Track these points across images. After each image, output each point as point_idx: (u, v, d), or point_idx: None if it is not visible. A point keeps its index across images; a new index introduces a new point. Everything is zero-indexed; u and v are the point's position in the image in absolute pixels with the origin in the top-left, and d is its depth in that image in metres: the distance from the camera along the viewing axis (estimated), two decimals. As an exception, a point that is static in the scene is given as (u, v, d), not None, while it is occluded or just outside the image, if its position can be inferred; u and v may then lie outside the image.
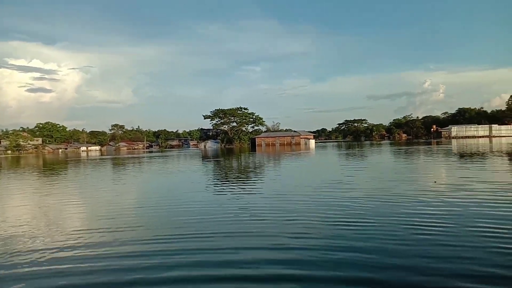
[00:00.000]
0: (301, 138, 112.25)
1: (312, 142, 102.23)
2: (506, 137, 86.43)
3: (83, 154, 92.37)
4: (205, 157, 53.75)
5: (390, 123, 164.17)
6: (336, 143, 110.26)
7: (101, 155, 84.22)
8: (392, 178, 18.07)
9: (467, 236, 7.40)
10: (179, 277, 5.83)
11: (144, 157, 58.47)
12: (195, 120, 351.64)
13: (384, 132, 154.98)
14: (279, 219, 9.69)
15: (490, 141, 67.11)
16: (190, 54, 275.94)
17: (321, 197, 12.94)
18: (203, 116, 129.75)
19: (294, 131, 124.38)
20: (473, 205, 10.28)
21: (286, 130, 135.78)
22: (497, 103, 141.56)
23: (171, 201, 13.64)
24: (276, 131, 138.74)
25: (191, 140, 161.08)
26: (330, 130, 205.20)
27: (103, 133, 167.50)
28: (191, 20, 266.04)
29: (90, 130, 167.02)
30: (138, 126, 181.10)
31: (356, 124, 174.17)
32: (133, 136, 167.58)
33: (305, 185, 16.79)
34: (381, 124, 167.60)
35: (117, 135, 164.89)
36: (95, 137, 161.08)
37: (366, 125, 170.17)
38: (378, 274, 5.63)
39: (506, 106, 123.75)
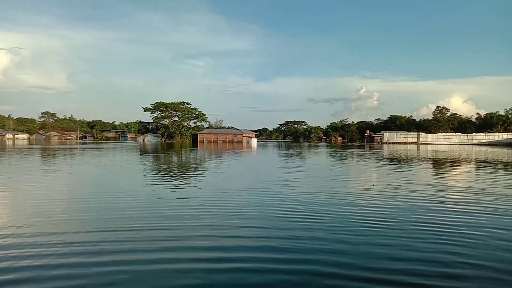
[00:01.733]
0: (244, 136, 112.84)
1: (254, 141, 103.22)
2: (432, 145, 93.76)
3: (9, 142, 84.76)
4: (143, 151, 51.84)
5: (327, 126, 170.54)
6: (276, 143, 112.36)
7: (29, 144, 77.93)
8: (331, 179, 18.70)
9: (404, 234, 7.81)
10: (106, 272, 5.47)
11: (77, 149, 55.03)
12: (134, 112, 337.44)
13: (322, 135, 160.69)
14: (216, 214, 9.54)
15: (418, 148, 72.39)
16: (131, 43, 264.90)
17: (260, 196, 12.97)
18: (143, 108, 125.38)
19: (237, 129, 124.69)
20: (406, 206, 10.93)
21: (229, 128, 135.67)
22: (425, 112, 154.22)
23: (103, 197, 12.87)
24: (218, 128, 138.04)
25: (129, 133, 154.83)
26: (271, 130, 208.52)
27: (32, 121, 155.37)
28: (133, 8, 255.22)
29: (18, 117, 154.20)
30: (72, 115, 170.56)
31: (296, 126, 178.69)
32: (66, 125, 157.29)
33: (245, 182, 16.79)
34: (319, 126, 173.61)
35: (47, 123, 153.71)
36: (23, 125, 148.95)
37: (305, 126, 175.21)
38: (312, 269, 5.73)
39: (433, 116, 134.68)
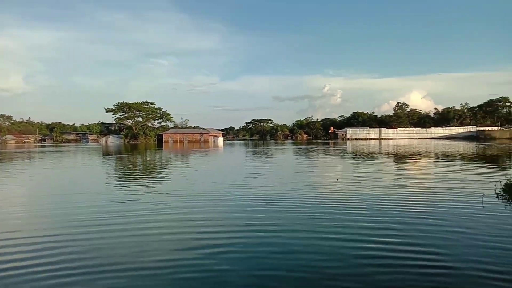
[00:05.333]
0: (210, 135, 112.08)
1: (221, 140, 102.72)
2: (393, 140, 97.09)
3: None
4: (106, 153, 50.31)
5: (293, 123, 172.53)
6: (243, 142, 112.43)
7: (-19, 148, 73.75)
8: (297, 175, 18.95)
9: (367, 224, 8.06)
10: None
11: (35, 152, 52.61)
12: (95, 113, 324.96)
13: (288, 132, 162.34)
14: (180, 216, 9.45)
15: (380, 143, 74.71)
16: (92, 42, 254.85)
17: (228, 195, 12.96)
18: (105, 109, 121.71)
19: (203, 129, 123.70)
20: (369, 198, 11.27)
21: (195, 127, 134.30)
22: (386, 109, 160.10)
23: (62, 201, 12.42)
24: (184, 127, 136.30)
25: (91, 134, 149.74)
26: (238, 128, 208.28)
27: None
28: (95, 6, 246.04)
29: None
30: (29, 118, 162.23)
31: (262, 124, 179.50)
32: (23, 128, 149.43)
33: (210, 181, 16.71)
34: (285, 124, 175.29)
35: (3, 126, 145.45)
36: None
37: (271, 125, 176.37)
38: (277, 264, 5.79)
39: (393, 112, 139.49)
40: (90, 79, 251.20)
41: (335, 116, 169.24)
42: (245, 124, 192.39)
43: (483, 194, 11.31)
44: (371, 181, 15.88)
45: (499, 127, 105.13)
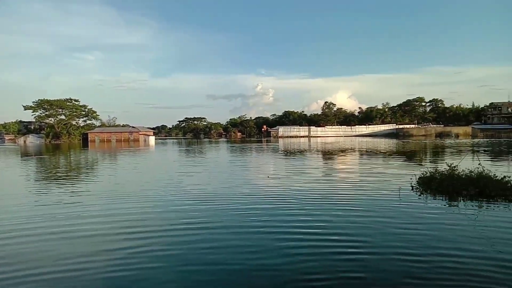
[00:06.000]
0: (140, 134, 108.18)
1: (152, 139, 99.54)
2: (321, 137, 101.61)
3: None
4: (24, 154, 46.25)
5: (227, 122, 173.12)
6: (176, 140, 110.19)
7: None
8: (231, 173, 19.10)
9: (297, 217, 8.43)
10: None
11: None
12: (12, 111, 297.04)
13: (222, 131, 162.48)
14: (109, 217, 9.10)
15: (309, 140, 77.86)
16: (8, 33, 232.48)
17: (161, 194, 12.72)
18: (23, 106, 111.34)
19: (133, 127, 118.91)
20: (298, 193, 11.77)
21: (124, 126, 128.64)
22: (315, 108, 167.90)
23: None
24: (112, 126, 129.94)
25: (7, 134, 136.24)
26: (171, 127, 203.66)
27: None
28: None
29: None
30: None
31: (196, 122, 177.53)
32: None
33: (144, 182, 16.25)
34: (219, 122, 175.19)
35: None
36: None
37: (205, 123, 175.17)
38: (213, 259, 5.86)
39: (321, 111, 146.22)
40: (5, 73, 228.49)
41: (267, 114, 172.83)
42: (178, 123, 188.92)
43: (400, 187, 12.39)
44: (300, 176, 16.59)
45: (416, 125, 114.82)
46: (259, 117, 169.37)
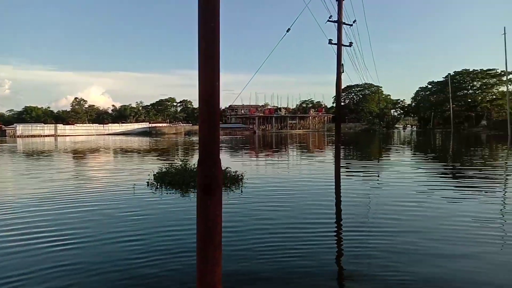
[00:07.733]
0: None
1: None
2: (70, 136, 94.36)
3: None
4: None
5: None
6: None
7: None
8: None
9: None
10: None
11: None
12: None
13: None
14: None
15: (56, 140, 71.05)
16: None
17: None
18: None
19: None
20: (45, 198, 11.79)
21: None
22: (64, 104, 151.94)
23: None
24: None
25: None
26: None
27: None
28: None
29: None
30: None
31: None
32: None
33: None
34: None
35: None
36: None
37: None
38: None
39: (71, 107, 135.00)
40: None
41: (3, 110, 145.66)
42: None
43: (135, 183, 14.08)
44: (40, 181, 16.03)
45: (168, 124, 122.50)
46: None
